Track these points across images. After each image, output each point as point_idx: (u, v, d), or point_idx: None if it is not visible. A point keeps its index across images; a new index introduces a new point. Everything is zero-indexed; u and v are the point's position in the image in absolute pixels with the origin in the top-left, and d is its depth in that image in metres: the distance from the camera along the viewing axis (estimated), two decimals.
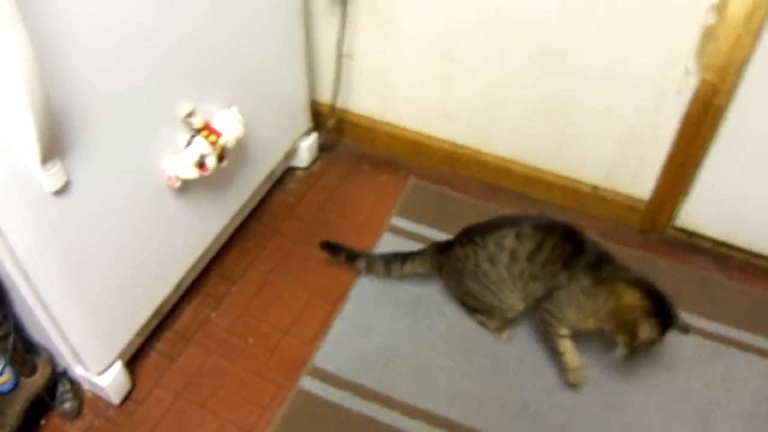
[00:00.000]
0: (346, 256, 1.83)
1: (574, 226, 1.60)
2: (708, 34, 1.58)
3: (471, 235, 1.65)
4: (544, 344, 1.72)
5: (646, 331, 1.48)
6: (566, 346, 1.61)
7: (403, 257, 1.77)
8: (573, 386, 1.65)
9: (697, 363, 1.70)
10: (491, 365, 1.70)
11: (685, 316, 1.66)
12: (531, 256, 1.56)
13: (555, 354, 1.66)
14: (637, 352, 1.52)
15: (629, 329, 1.49)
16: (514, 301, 1.63)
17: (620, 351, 1.52)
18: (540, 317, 1.62)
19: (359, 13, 1.89)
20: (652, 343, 1.51)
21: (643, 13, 1.62)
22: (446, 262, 1.72)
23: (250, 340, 1.72)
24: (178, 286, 1.71)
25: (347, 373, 1.66)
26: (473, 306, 1.73)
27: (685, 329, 1.54)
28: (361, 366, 1.68)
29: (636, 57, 1.70)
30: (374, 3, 1.86)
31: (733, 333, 1.78)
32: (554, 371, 1.68)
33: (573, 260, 1.53)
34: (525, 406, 1.63)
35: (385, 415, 1.60)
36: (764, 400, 1.66)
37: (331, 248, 1.85)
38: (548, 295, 1.57)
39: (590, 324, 1.55)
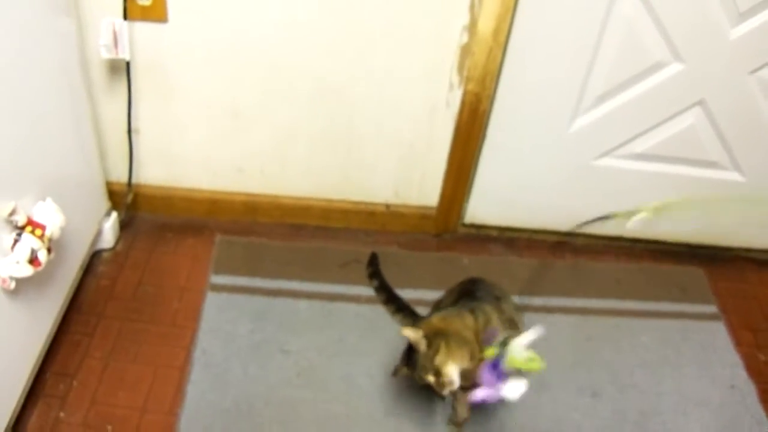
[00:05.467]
0: (372, 272, 2.05)
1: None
2: (465, 51, 1.84)
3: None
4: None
5: None
6: (463, 398, 1.64)
7: (400, 308, 1.93)
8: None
9: None
10: (346, 387, 1.81)
11: None
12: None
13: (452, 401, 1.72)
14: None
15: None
16: None
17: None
18: None
19: (138, 86, 1.92)
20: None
21: (402, 42, 1.83)
22: None
23: (109, 428, 1.67)
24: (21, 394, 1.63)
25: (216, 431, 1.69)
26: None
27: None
28: (227, 420, 1.70)
29: (403, 82, 1.91)
30: (151, 75, 1.90)
31: (537, 301, 2.06)
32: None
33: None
34: (389, 412, 1.76)
35: None
36: (579, 350, 1.95)
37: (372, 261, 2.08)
38: None
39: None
